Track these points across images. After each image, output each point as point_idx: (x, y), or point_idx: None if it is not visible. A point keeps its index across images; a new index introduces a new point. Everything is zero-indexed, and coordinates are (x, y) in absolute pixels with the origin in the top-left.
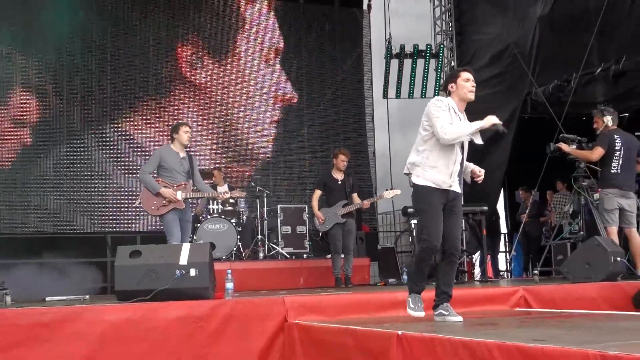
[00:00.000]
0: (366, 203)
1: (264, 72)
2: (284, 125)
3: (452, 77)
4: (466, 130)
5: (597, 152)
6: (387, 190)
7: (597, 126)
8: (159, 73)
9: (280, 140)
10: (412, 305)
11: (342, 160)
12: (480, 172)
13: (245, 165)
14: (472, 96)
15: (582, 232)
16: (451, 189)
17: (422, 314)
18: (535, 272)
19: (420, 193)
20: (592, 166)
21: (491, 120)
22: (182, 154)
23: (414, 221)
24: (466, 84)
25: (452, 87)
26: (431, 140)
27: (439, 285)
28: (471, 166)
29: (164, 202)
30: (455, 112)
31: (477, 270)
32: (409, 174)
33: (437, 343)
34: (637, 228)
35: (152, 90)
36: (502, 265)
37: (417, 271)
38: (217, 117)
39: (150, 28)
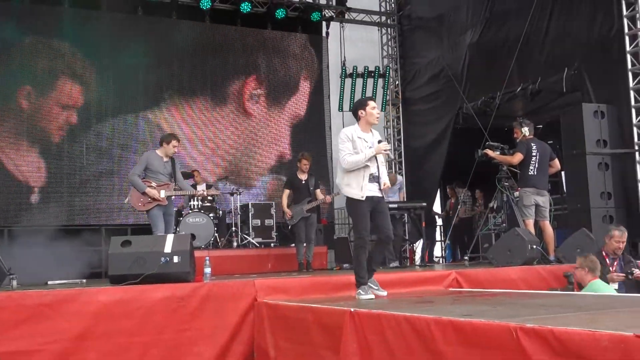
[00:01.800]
0: (328, 198)
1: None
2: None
3: (362, 105)
4: (360, 159)
5: (517, 157)
6: None
7: (516, 136)
8: (220, 84)
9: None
10: (362, 292)
11: (304, 164)
12: (384, 185)
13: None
14: (377, 122)
15: (504, 224)
16: (371, 195)
17: (372, 296)
18: (466, 257)
19: (348, 204)
20: (513, 169)
21: (381, 147)
22: (166, 159)
23: None
24: (373, 111)
25: (362, 113)
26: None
27: (369, 264)
28: (382, 179)
29: (149, 199)
30: (359, 137)
31: (417, 257)
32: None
33: (383, 318)
34: (550, 221)
35: (209, 93)
36: (437, 252)
37: (359, 265)
38: (237, 135)
39: (233, 53)
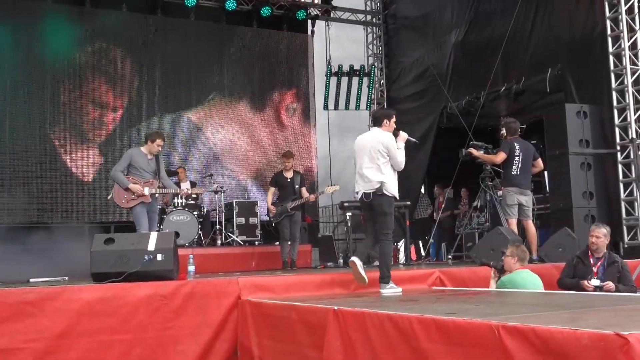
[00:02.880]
0: (312, 197)
1: None
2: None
3: (389, 116)
4: (402, 155)
5: (500, 156)
6: (328, 186)
7: (502, 135)
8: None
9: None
10: (394, 286)
11: (287, 162)
12: None
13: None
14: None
15: (487, 224)
16: None
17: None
18: (449, 256)
19: (389, 202)
20: (497, 168)
21: (404, 137)
22: (150, 156)
23: (349, 213)
24: (394, 125)
25: (386, 122)
26: (388, 164)
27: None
28: None
29: (133, 196)
30: None
31: (401, 255)
32: (375, 190)
33: (366, 316)
34: (532, 220)
35: (247, 98)
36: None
37: (390, 261)
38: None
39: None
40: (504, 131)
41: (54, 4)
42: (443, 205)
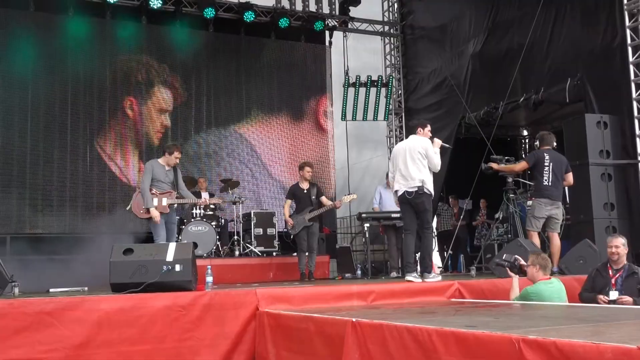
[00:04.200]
0: (338, 203)
1: None
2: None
3: (423, 125)
4: (438, 158)
5: (520, 165)
6: (345, 195)
7: (535, 146)
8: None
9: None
10: (436, 275)
11: (307, 171)
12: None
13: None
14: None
15: (509, 235)
16: None
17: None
18: (472, 268)
19: (428, 199)
20: (521, 179)
21: (439, 142)
22: (168, 167)
23: (367, 224)
24: (429, 133)
25: (420, 130)
26: (427, 165)
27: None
28: None
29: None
30: None
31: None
32: (417, 187)
33: (385, 328)
34: (560, 232)
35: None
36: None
37: (431, 252)
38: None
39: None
40: (537, 142)
41: (75, 16)
42: (459, 216)
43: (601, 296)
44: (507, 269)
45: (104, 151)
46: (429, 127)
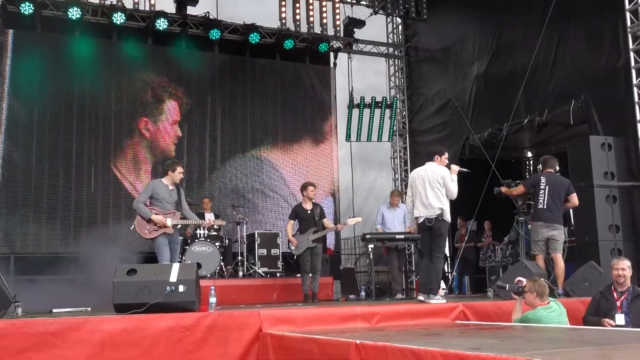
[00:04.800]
0: (340, 226)
1: None
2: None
3: (440, 152)
4: (455, 186)
5: (519, 189)
6: (350, 218)
7: (539, 170)
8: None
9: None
10: (440, 298)
11: (311, 191)
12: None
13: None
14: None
15: (519, 258)
16: None
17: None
18: (489, 289)
19: (445, 226)
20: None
21: (456, 169)
22: (172, 187)
23: (371, 246)
24: (446, 161)
25: (437, 158)
26: (445, 193)
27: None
28: None
29: (155, 227)
30: None
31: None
32: (437, 215)
33: (389, 350)
34: (563, 254)
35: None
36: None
37: (439, 275)
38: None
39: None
40: (540, 165)
41: (81, 37)
42: (466, 238)
43: (607, 320)
44: (510, 291)
45: (118, 171)
46: (446, 155)
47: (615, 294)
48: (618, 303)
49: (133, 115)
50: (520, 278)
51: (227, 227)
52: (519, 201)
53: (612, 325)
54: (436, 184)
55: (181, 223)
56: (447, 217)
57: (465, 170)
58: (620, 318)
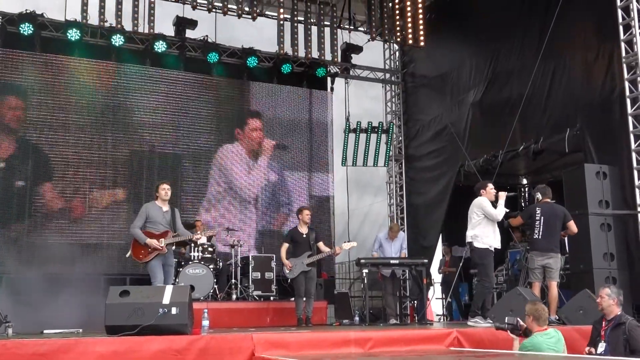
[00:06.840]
0: (338, 249)
1: None
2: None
3: (484, 186)
4: (500, 209)
5: (516, 220)
6: (345, 242)
7: (536, 199)
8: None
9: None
10: (479, 321)
11: (306, 215)
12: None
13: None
14: (493, 198)
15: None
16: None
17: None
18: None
19: (479, 254)
20: None
21: (503, 195)
22: (165, 208)
23: (365, 270)
24: (492, 191)
25: (483, 192)
26: (483, 221)
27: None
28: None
29: (150, 250)
30: None
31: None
32: (468, 244)
33: None
34: (559, 282)
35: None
36: (437, 309)
37: (481, 301)
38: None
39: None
40: (536, 195)
41: (80, 59)
42: (450, 264)
43: (589, 348)
44: (509, 331)
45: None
46: (490, 186)
47: (604, 322)
48: (602, 332)
49: (131, 136)
50: (518, 319)
51: (221, 250)
52: (517, 232)
53: (591, 354)
54: (473, 215)
55: (172, 240)
56: (479, 243)
57: (512, 193)
58: (601, 346)
